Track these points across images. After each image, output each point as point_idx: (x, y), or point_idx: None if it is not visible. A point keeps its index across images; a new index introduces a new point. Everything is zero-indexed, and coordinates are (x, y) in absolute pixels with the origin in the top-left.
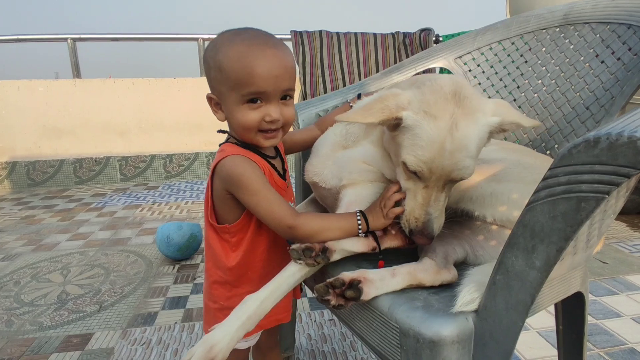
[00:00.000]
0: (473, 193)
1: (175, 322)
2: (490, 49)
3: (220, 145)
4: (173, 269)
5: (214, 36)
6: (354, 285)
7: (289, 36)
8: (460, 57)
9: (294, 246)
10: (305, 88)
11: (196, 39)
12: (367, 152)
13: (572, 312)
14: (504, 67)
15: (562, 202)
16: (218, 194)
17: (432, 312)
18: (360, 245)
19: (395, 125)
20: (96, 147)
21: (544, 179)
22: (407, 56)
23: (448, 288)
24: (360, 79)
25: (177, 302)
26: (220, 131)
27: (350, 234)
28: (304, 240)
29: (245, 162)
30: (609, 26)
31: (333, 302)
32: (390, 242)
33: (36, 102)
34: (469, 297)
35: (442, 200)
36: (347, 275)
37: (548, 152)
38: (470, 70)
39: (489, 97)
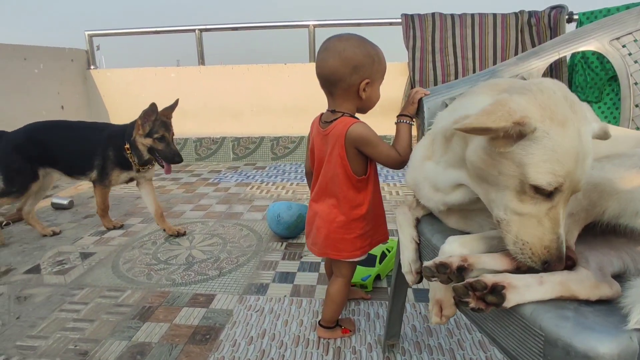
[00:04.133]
0: (638, 207)
1: (285, 295)
2: None
3: (332, 120)
4: (281, 245)
5: (324, 22)
6: (497, 290)
7: (400, 20)
8: (617, 38)
9: (426, 264)
10: (414, 74)
11: (307, 26)
12: (437, 173)
13: None
14: None
15: None
16: (349, 153)
17: (587, 325)
18: (502, 264)
19: (506, 138)
20: (213, 128)
21: None
22: (532, 39)
23: (603, 300)
24: (474, 65)
25: (286, 277)
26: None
27: (411, 129)
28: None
29: (366, 126)
30: None
31: (472, 304)
32: None
33: (168, 86)
34: None
35: (565, 217)
36: (489, 278)
37: None
38: (630, 54)
39: None
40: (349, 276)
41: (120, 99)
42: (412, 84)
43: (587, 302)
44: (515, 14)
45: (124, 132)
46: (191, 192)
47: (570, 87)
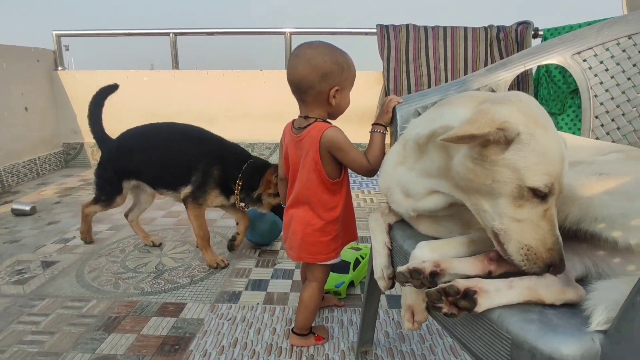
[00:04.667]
0: (598, 213)
1: (258, 303)
2: (618, 44)
3: (306, 126)
4: (255, 252)
5: (301, 30)
6: (469, 295)
7: (375, 30)
8: (579, 52)
9: (400, 269)
10: (388, 83)
11: (283, 33)
12: (409, 179)
13: None
14: (634, 65)
15: None
16: (324, 158)
17: (551, 327)
18: (474, 268)
19: (497, 145)
20: None
21: None
22: (500, 52)
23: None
24: (446, 76)
25: (259, 285)
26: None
27: (385, 138)
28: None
29: (340, 131)
30: None
31: (445, 309)
32: (510, 267)
33: (141, 90)
34: (605, 316)
35: None
36: (461, 283)
37: None
38: (590, 68)
39: (612, 99)
40: (323, 280)
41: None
42: (386, 93)
43: (551, 306)
44: (485, 28)
45: (238, 158)
46: (163, 198)
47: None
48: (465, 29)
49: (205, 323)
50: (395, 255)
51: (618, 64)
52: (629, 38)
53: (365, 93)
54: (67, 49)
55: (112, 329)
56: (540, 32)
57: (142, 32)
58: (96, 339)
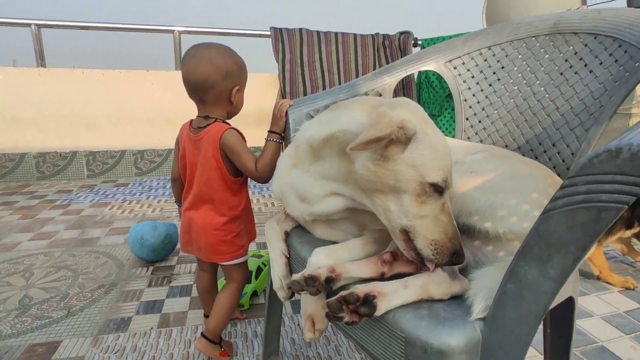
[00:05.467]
0: (471, 207)
1: (151, 328)
2: (480, 54)
3: (205, 126)
4: (147, 271)
5: (191, 29)
6: (369, 300)
7: (269, 33)
8: (450, 61)
9: (295, 277)
10: (284, 86)
11: (172, 32)
12: (304, 183)
13: (561, 316)
14: (494, 73)
15: (581, 211)
16: (223, 156)
17: (439, 321)
18: (368, 271)
19: (397, 145)
20: (61, 140)
21: (562, 187)
22: (386, 58)
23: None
24: (339, 79)
25: (153, 307)
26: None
27: (279, 148)
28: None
29: (237, 133)
30: (596, 37)
31: (347, 319)
32: (401, 267)
33: None
34: (483, 304)
35: None
36: (361, 289)
37: (536, 158)
38: (460, 75)
39: (478, 102)
40: (241, 280)
41: None
42: (282, 96)
43: (440, 300)
44: (372, 35)
45: None
46: (30, 218)
47: (418, 102)
48: (355, 35)
49: None
50: (294, 262)
51: (481, 71)
52: (489, 49)
53: (262, 95)
54: None
55: None
56: (419, 42)
57: None
58: None
